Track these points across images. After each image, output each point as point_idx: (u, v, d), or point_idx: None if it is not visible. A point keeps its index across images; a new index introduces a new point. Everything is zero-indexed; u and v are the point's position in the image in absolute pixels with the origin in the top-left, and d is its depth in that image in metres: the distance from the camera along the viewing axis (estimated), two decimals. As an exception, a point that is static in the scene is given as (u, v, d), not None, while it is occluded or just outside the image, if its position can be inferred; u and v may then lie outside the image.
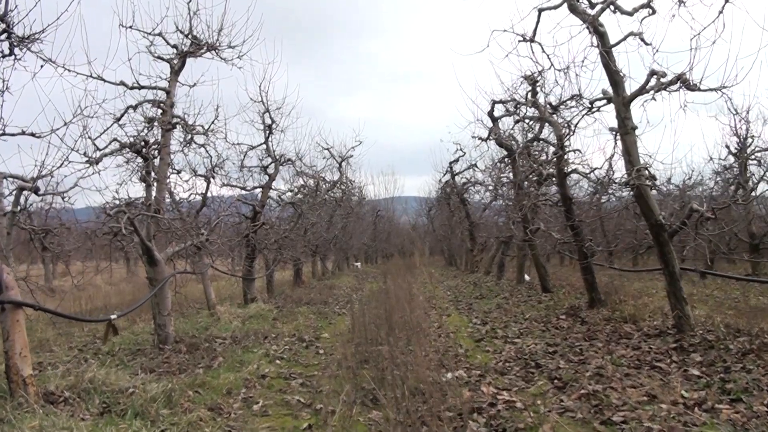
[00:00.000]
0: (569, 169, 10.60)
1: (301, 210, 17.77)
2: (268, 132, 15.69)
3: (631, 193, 8.36)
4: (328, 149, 22.01)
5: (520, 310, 12.96)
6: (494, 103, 14.47)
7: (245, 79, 15.59)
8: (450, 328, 11.56)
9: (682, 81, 7.52)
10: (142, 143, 9.07)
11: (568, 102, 10.16)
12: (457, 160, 28.00)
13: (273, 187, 16.07)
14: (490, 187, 24.54)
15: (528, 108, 13.00)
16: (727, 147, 18.80)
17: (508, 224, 19.65)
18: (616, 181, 8.34)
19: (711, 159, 19.02)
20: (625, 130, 7.91)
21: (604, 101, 8.68)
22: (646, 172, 7.71)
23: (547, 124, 14.78)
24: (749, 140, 18.53)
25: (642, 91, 7.80)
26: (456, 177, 28.62)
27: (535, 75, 10.43)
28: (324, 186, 21.73)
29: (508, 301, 14.83)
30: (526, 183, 14.79)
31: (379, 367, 7.45)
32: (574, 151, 10.22)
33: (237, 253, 15.31)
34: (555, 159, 10.39)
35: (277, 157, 15.56)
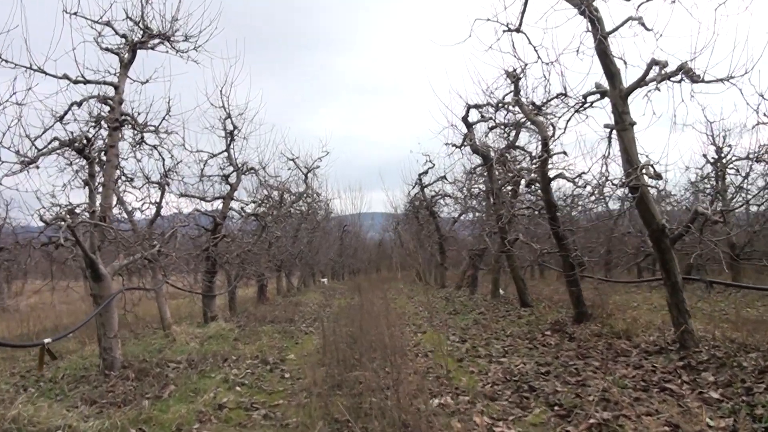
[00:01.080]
0: (554, 174, 9.88)
1: (265, 222, 16.77)
2: (229, 139, 14.74)
3: (629, 196, 7.64)
4: (293, 160, 21.08)
5: (500, 326, 12.17)
6: (469, 107, 13.77)
7: (205, 83, 14.50)
8: (427, 347, 10.70)
9: (685, 71, 6.86)
10: (84, 141, 8.04)
11: (554, 101, 9.45)
12: (426, 172, 27.30)
13: (235, 198, 15.08)
14: (461, 198, 23.87)
15: (508, 110, 12.29)
16: (705, 156, 18.46)
17: (482, 236, 18.94)
18: (615, 182, 7.58)
19: (687, 168, 18.72)
20: (623, 126, 7.20)
21: (597, 96, 7.98)
22: (651, 169, 7.00)
23: (524, 129, 14.16)
24: (725, 149, 18.23)
25: (641, 82, 7.12)
26: (425, 189, 27.90)
27: (518, 71, 9.71)
28: (289, 198, 20.75)
29: (485, 316, 14.04)
30: (503, 191, 14.08)
31: (355, 394, 6.55)
32: (559, 153, 9.52)
33: (195, 268, 14.20)
34: (539, 163, 9.66)
35: (239, 165, 14.59)
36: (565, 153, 9.51)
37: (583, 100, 8.14)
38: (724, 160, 17.93)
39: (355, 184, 62.89)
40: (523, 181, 10.88)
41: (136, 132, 9.42)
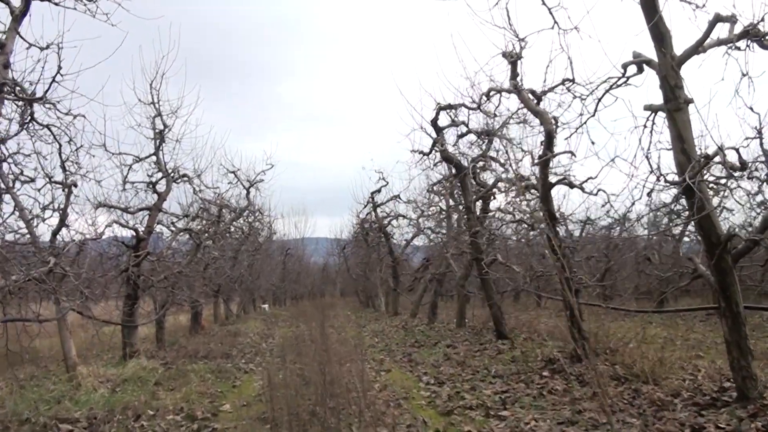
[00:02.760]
0: (556, 179, 8.12)
1: (200, 240, 14.49)
2: (159, 140, 12.51)
3: (681, 198, 5.90)
4: (233, 172, 18.81)
5: (480, 362, 10.27)
6: (440, 109, 11.97)
7: (133, 75, 12.19)
8: (397, 391, 8.69)
9: (753, 33, 5.18)
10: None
11: (558, 88, 7.71)
12: (379, 190, 25.50)
13: (164, 210, 12.80)
14: (420, 216, 22.04)
15: (482, 112, 10.53)
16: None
17: (444, 258, 17.11)
18: (668, 179, 5.81)
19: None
20: (676, 104, 5.46)
21: (635, 69, 6.23)
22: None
23: (498, 137, 12.48)
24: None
25: (699, 47, 5.43)
26: (378, 209, 26.02)
27: (517, 50, 7.93)
28: (228, 214, 18.46)
29: (457, 350, 12.12)
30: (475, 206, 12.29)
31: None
32: (566, 153, 7.75)
33: (106, 292, 11.77)
34: (540, 164, 7.87)
35: (170, 171, 12.35)
36: (572, 153, 7.75)
37: (622, 73, 6.36)
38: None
39: (299, 207, 60.32)
40: (521, 184, 9.08)
41: (21, 106, 7.15)
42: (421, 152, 12.93)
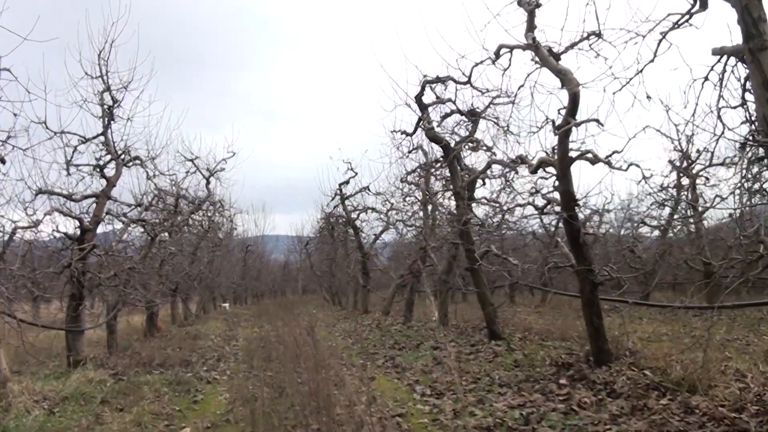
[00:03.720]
0: (577, 153, 6.94)
1: (155, 234, 12.96)
2: (107, 118, 10.97)
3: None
4: (191, 160, 17.23)
5: (479, 368, 9.07)
6: (425, 83, 10.74)
7: (80, 46, 10.58)
8: (390, 405, 7.43)
9: None
10: None
11: (583, 43, 6.53)
12: (347, 182, 24.16)
13: (113, 198, 11.25)
14: (397, 208, 20.77)
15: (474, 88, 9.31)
16: (671, 162, 16.19)
17: (423, 251, 15.90)
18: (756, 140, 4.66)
19: (645, 178, 16.42)
20: (761, 41, 4.32)
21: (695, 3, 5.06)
22: None
23: (484, 118, 11.33)
24: (694, 155, 16.05)
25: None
26: (346, 201, 24.68)
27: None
28: (186, 206, 16.90)
29: (446, 352, 10.91)
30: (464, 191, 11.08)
31: None
32: (594, 121, 6.57)
33: (44, 291, 10.15)
34: (560, 135, 6.69)
35: (120, 152, 10.82)
36: (599, 122, 6.59)
37: (689, 8, 5.17)
38: (694, 169, 15.81)
39: (258, 204, 58.45)
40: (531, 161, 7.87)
41: None
42: (403, 132, 11.69)
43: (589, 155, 6.99)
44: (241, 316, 27.73)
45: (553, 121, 7.03)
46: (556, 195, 8.08)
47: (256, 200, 69.70)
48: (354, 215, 24.57)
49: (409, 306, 17.18)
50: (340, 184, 24.37)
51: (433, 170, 14.59)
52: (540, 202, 10.38)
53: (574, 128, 7.01)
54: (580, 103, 6.49)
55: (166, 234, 14.16)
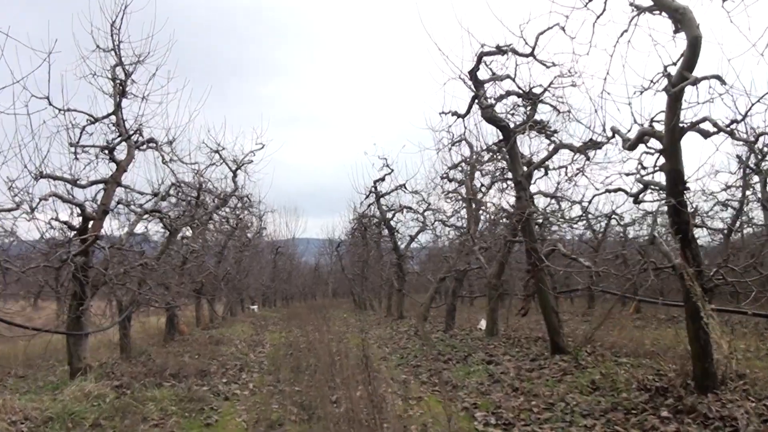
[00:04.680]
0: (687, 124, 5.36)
1: (174, 228, 11.67)
2: (119, 95, 9.69)
3: None
4: (217, 152, 15.93)
5: (550, 390, 7.52)
6: (482, 55, 9.24)
7: (91, 16, 9.26)
8: (447, 437, 5.95)
9: None
10: None
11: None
12: (383, 179, 22.69)
13: (125, 186, 9.97)
14: (433, 209, 19.27)
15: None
16: (739, 158, 14.15)
17: (467, 252, 14.35)
18: None
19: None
20: None
21: None
22: None
23: (543, 101, 9.79)
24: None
25: None
26: (381, 200, 23.21)
27: None
28: (212, 201, 15.60)
29: (502, 367, 9.38)
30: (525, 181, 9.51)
31: None
32: (715, 78, 5.03)
33: (40, 288, 8.82)
34: (673, 95, 5.13)
35: (131, 132, 9.52)
36: (721, 80, 5.05)
37: None
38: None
39: (290, 206, 57.26)
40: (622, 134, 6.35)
41: None
42: (455, 113, 10.16)
43: (706, 124, 5.42)
44: (270, 320, 26.48)
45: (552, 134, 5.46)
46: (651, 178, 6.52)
47: (288, 202, 68.32)
48: (389, 215, 23.09)
49: (451, 312, 15.65)
50: (375, 182, 22.94)
51: (483, 161, 13.05)
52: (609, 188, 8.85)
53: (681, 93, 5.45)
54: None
55: (186, 228, 12.86)
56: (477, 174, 15.86)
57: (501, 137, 9.58)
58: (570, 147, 8.97)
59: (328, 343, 15.73)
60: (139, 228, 11.18)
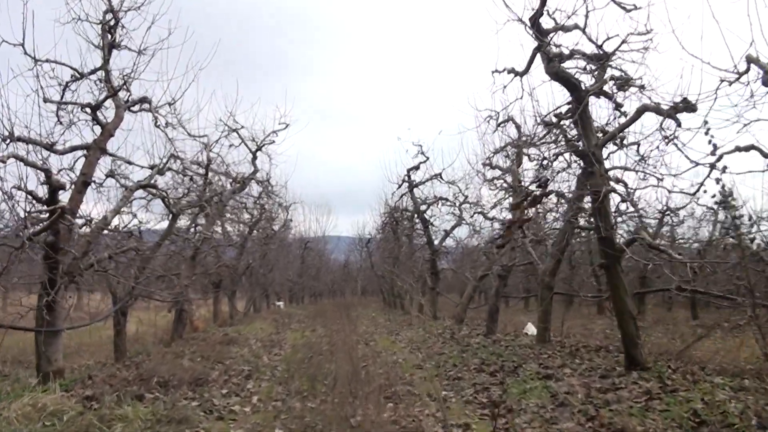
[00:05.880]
0: None
1: (177, 210, 10.05)
2: (108, 47, 8.08)
3: None
4: (236, 130, 14.28)
5: (637, 421, 5.66)
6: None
7: None
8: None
9: None
10: None
11: None
12: (417, 167, 20.89)
13: (112, 154, 8.35)
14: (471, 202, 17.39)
15: None
16: None
17: (518, 247, 12.48)
18: None
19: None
20: None
21: None
22: None
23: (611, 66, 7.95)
24: None
25: None
26: (415, 190, 21.42)
27: None
28: (228, 184, 13.98)
29: (564, 384, 7.53)
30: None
31: None
32: None
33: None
34: None
35: (117, 88, 7.89)
36: None
37: None
38: None
39: (321, 202, 55.30)
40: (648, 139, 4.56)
41: None
42: (511, 70, 8.30)
43: None
44: (294, 317, 24.90)
45: None
46: None
47: (320, 198, 66.64)
48: (423, 207, 21.27)
49: (493, 314, 13.78)
50: (408, 170, 21.18)
51: (535, 140, 11.16)
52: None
53: None
54: None
55: (191, 212, 11.21)
56: (524, 159, 14.02)
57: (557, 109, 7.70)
58: (658, 109, 7.09)
59: (354, 345, 14.07)
60: (143, 215, 9.56)
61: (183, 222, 13.26)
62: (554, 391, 7.24)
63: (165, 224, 11.02)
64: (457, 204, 19.71)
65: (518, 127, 14.27)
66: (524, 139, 13.38)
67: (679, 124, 7.15)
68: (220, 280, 18.82)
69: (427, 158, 20.41)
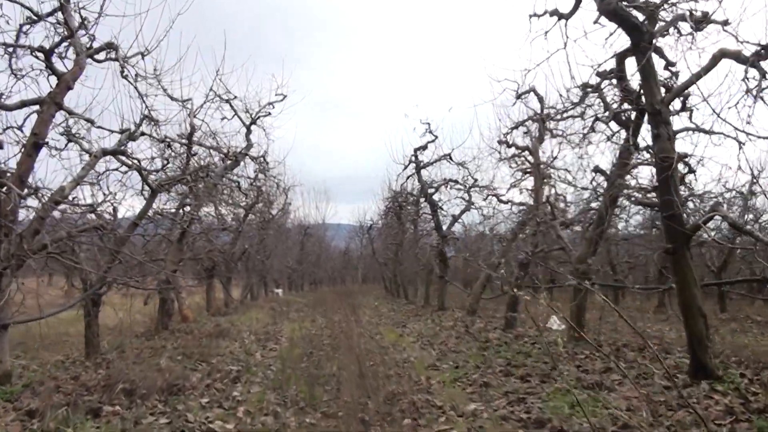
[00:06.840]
0: None
1: (156, 185, 8.64)
2: (65, -15, 6.61)
3: None
4: (228, 101, 12.79)
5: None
6: None
7: None
8: None
9: None
10: None
11: None
12: (425, 147, 19.43)
13: (71, 112, 6.91)
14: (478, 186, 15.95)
15: None
16: None
17: (542, 231, 11.08)
18: None
19: None
20: None
21: None
22: None
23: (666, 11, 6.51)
24: None
25: None
26: (422, 171, 19.98)
27: None
28: (219, 159, 12.56)
29: (618, 394, 6.17)
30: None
31: None
32: None
33: None
34: None
35: (75, 28, 6.44)
36: None
37: None
38: None
39: (321, 188, 53.72)
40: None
41: None
42: (555, 13, 6.83)
43: None
44: (293, 305, 23.53)
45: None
46: None
47: (319, 185, 65.09)
48: (430, 191, 19.81)
49: (514, 306, 12.43)
50: (415, 150, 19.71)
51: (563, 110, 9.79)
52: None
53: None
54: None
55: (173, 187, 9.77)
56: (547, 135, 12.62)
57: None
58: (738, 56, 5.67)
59: (358, 339, 12.74)
60: (121, 193, 8.13)
61: (171, 204, 11.95)
62: (607, 404, 5.87)
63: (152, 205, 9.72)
64: (466, 187, 18.31)
65: (541, 99, 12.89)
66: (547, 112, 12.02)
67: (764, 75, 5.76)
68: (213, 266, 17.46)
69: (436, 137, 18.96)
